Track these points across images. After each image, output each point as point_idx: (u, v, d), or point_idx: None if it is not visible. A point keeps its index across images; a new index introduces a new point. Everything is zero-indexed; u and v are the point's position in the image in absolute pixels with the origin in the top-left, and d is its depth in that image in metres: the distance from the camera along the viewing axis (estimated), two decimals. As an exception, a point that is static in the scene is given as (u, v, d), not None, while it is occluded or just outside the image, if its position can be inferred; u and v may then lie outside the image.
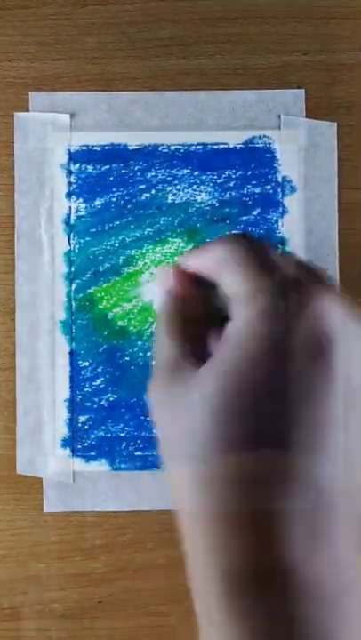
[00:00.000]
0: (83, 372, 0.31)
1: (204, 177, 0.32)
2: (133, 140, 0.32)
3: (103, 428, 0.31)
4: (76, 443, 0.31)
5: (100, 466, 0.31)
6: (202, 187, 0.32)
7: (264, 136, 0.32)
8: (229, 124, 0.32)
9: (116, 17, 0.32)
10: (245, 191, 0.32)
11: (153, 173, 0.32)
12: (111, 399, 0.31)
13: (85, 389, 0.31)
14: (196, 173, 0.32)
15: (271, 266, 0.22)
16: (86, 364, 0.31)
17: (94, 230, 0.32)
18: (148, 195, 0.32)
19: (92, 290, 0.32)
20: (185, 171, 0.32)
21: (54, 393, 0.31)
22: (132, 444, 0.31)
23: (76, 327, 0.31)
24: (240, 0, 0.32)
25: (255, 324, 0.23)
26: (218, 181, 0.32)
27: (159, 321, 0.24)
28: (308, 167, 0.32)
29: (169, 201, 0.32)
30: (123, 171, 0.32)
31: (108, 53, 0.32)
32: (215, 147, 0.32)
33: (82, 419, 0.31)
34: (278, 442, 0.22)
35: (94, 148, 0.32)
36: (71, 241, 0.32)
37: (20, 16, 0.32)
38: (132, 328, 0.31)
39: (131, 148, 0.32)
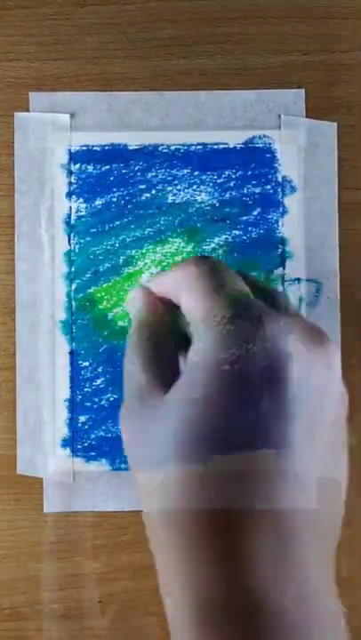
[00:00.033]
0: (83, 372, 0.31)
1: (204, 177, 0.32)
2: (133, 139, 0.32)
3: (103, 427, 0.31)
4: (76, 443, 0.31)
5: (100, 466, 0.31)
6: (202, 187, 0.32)
7: (264, 136, 0.32)
8: (229, 123, 0.32)
9: (116, 17, 0.32)
10: (245, 191, 0.32)
11: (153, 173, 0.32)
12: (111, 399, 0.31)
13: (85, 389, 0.31)
14: (196, 173, 0.32)
15: (225, 288, 0.22)
16: (86, 364, 0.31)
17: (94, 230, 0.32)
18: (148, 195, 0.32)
19: (92, 290, 0.32)
20: (185, 171, 0.32)
21: (54, 393, 0.31)
22: (132, 443, 0.31)
23: (76, 327, 0.31)
24: (240, 0, 0.32)
25: (210, 347, 0.23)
26: (218, 181, 0.32)
27: (129, 346, 0.24)
28: (308, 167, 0.32)
29: (169, 201, 0.32)
30: (123, 171, 0.32)
31: (108, 53, 0.32)
32: (215, 147, 0.32)
33: (82, 419, 0.31)
34: (242, 462, 0.22)
35: (94, 148, 0.32)
36: (71, 241, 0.32)
37: (20, 16, 0.32)
38: (132, 328, 0.31)
39: (131, 148, 0.32)
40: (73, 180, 0.32)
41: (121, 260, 0.32)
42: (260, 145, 0.32)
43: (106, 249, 0.32)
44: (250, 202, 0.32)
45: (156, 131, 0.32)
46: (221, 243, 0.31)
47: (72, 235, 0.32)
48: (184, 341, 0.24)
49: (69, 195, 0.32)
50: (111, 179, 0.32)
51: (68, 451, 0.31)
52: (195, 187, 0.32)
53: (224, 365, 0.23)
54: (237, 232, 0.31)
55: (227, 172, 0.32)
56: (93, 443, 0.31)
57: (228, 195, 0.32)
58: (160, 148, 0.32)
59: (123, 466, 0.31)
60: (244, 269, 0.31)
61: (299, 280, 0.31)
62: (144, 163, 0.32)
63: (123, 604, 0.31)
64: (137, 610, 0.31)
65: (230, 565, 0.21)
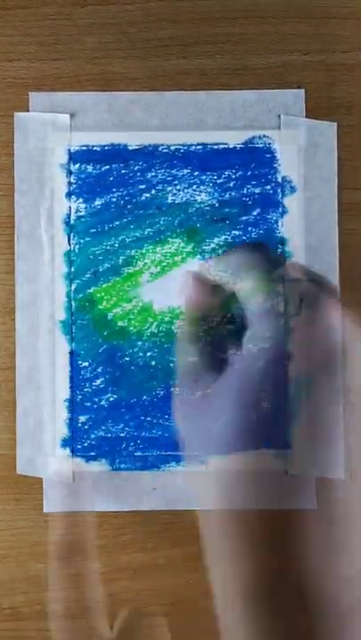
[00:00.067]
0: (83, 372, 0.31)
1: (204, 177, 0.32)
2: (133, 139, 0.32)
3: (103, 428, 0.31)
4: (75, 443, 0.31)
5: (100, 466, 0.31)
6: (202, 187, 0.32)
7: (264, 136, 0.32)
8: (229, 123, 0.32)
9: (116, 17, 0.32)
10: (245, 191, 0.32)
11: (153, 173, 0.32)
12: (111, 399, 0.31)
13: (85, 389, 0.31)
14: (196, 173, 0.32)
15: (283, 275, 0.23)
16: (86, 364, 0.31)
17: (94, 230, 0.32)
18: (148, 195, 0.32)
19: (91, 290, 0.32)
20: (185, 171, 0.32)
21: (54, 393, 0.31)
22: (132, 444, 0.31)
23: (75, 327, 0.31)
24: (240, 0, 0.32)
25: (267, 334, 0.23)
26: (218, 181, 0.32)
27: (180, 334, 0.24)
28: (308, 167, 0.32)
29: (169, 201, 0.32)
30: (123, 171, 0.32)
31: (108, 53, 0.32)
32: (215, 147, 0.32)
33: (82, 419, 0.31)
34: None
35: (94, 148, 0.32)
36: (71, 241, 0.32)
37: (20, 16, 0.32)
38: (132, 328, 0.31)
39: (131, 148, 0.32)
40: (73, 180, 0.32)
41: (121, 261, 0.32)
42: (260, 145, 0.32)
43: (105, 249, 0.32)
44: (250, 202, 0.32)
45: (155, 131, 0.32)
46: (221, 243, 0.31)
47: (72, 235, 0.32)
48: (236, 327, 0.24)
49: (69, 195, 0.32)
50: (111, 179, 0.32)
51: (67, 451, 0.31)
52: (195, 187, 0.32)
53: (281, 352, 0.24)
54: (237, 232, 0.31)
55: (227, 172, 0.32)
56: (93, 443, 0.31)
57: (227, 195, 0.32)
58: (160, 148, 0.32)
59: (123, 466, 0.31)
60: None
61: (299, 280, 0.31)
62: (144, 163, 0.32)
63: (123, 604, 0.31)
64: (137, 610, 0.31)
65: (283, 552, 0.21)
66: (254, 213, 0.32)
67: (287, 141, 0.32)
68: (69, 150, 0.32)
